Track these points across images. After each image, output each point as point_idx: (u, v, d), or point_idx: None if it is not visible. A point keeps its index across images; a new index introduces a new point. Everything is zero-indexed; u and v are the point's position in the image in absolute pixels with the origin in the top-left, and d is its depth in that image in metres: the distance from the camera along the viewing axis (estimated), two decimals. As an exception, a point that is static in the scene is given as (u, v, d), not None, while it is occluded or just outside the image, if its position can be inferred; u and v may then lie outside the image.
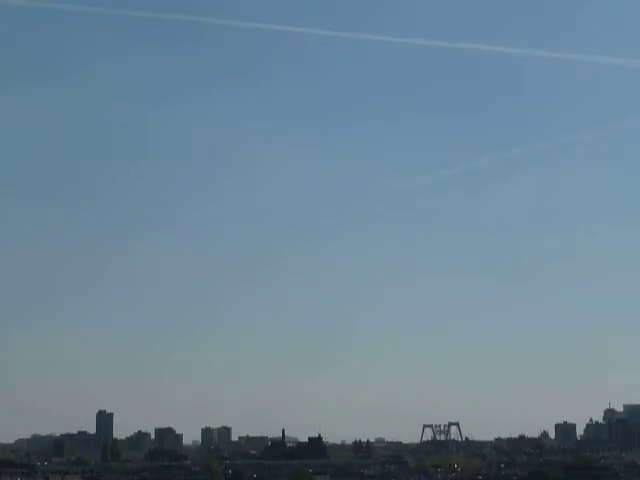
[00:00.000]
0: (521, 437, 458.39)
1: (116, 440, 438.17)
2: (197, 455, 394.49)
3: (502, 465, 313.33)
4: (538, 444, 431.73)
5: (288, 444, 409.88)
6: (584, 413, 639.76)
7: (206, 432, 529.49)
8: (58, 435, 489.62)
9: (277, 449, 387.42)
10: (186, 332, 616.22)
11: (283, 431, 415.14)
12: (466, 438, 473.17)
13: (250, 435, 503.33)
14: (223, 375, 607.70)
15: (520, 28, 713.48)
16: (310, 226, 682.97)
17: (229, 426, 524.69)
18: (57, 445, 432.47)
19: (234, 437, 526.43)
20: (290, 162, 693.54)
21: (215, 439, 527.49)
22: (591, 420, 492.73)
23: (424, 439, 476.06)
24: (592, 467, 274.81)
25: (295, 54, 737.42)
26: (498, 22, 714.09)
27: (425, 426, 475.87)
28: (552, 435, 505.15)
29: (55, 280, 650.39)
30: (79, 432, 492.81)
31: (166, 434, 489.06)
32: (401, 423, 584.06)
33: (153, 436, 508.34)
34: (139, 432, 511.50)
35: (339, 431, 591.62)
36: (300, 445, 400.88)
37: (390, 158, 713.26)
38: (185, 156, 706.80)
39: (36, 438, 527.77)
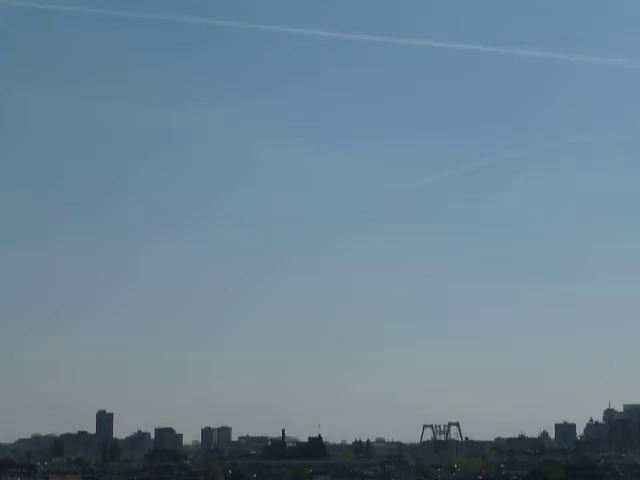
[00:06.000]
0: (521, 437, 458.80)
1: (116, 440, 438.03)
2: (197, 455, 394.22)
3: (502, 465, 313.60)
4: (538, 444, 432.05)
5: (288, 444, 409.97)
6: (584, 413, 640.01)
7: (206, 432, 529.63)
8: (58, 435, 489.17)
9: (277, 449, 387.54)
10: (186, 332, 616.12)
11: (283, 431, 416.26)
12: (466, 438, 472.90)
13: (250, 435, 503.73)
14: (223, 375, 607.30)
15: (520, 29, 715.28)
16: (310, 226, 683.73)
17: (229, 426, 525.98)
18: (57, 445, 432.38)
19: (234, 437, 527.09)
20: (290, 162, 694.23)
21: (215, 439, 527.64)
22: (591, 420, 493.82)
23: (424, 439, 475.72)
24: (592, 467, 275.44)
25: (295, 54, 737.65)
26: (498, 23, 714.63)
27: (425, 426, 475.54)
28: (552, 435, 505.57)
29: (55, 280, 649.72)
30: (79, 432, 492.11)
31: (166, 434, 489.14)
32: (401, 423, 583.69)
33: (153, 436, 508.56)
34: (139, 432, 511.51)
35: (339, 431, 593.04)
36: (300, 445, 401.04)
37: (390, 158, 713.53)
38: (185, 156, 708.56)
39: (36, 438, 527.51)
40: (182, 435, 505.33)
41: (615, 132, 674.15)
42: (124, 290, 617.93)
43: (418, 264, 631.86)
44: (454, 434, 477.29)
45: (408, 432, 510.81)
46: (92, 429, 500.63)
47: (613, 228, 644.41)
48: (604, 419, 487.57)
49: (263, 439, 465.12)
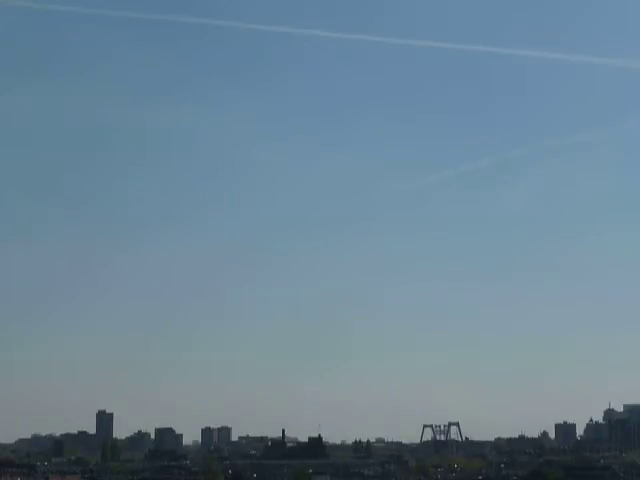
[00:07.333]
0: (521, 437, 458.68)
1: (116, 440, 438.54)
2: (197, 455, 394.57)
3: (502, 465, 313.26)
4: (538, 444, 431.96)
5: (288, 444, 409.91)
6: (584, 413, 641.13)
7: (206, 432, 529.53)
8: (58, 435, 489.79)
9: (277, 449, 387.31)
10: (186, 332, 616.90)
11: (283, 431, 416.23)
12: (466, 438, 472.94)
13: (250, 435, 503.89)
14: (223, 375, 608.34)
15: (520, 29, 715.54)
16: (310, 226, 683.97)
17: (229, 426, 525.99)
18: (57, 445, 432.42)
19: (234, 437, 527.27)
20: (290, 162, 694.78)
21: (215, 439, 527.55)
22: (591, 420, 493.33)
23: (424, 439, 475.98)
24: (592, 467, 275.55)
25: (295, 55, 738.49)
26: (498, 23, 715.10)
27: (425, 426, 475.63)
28: (552, 435, 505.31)
29: (55, 280, 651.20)
30: (79, 432, 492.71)
31: (166, 434, 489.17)
32: (401, 423, 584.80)
33: (153, 436, 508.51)
34: (139, 432, 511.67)
35: (339, 431, 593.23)
36: (300, 445, 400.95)
37: (390, 158, 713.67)
38: (185, 156, 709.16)
39: (36, 438, 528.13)
40: (182, 435, 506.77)
41: (615, 132, 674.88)
42: (124, 290, 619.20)
43: (418, 264, 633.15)
44: (454, 434, 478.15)
45: (408, 432, 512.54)
46: (92, 429, 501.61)
47: (613, 228, 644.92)
48: (604, 419, 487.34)
49: (263, 439, 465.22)
